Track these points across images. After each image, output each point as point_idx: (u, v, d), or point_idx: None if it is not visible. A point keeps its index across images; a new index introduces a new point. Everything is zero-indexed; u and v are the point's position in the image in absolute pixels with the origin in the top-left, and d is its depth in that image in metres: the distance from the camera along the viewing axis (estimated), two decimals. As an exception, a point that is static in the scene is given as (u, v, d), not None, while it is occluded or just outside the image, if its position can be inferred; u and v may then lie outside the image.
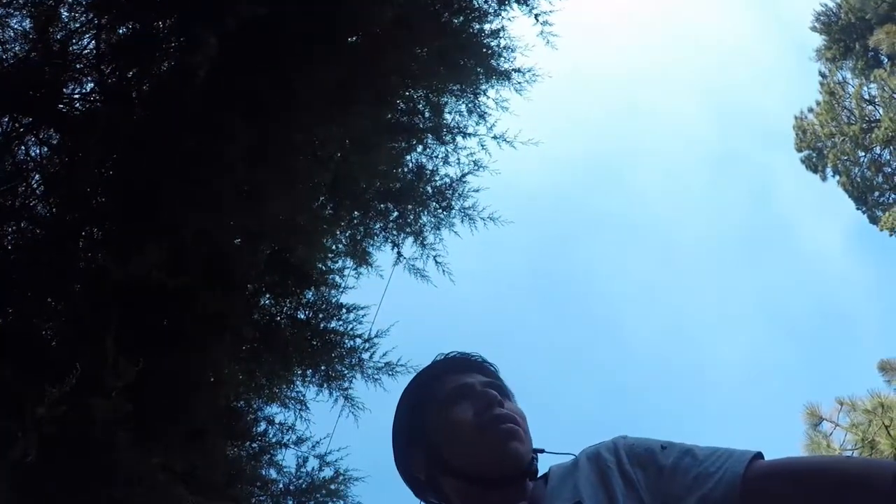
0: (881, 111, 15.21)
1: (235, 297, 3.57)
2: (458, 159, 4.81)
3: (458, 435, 1.20)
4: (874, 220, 16.09)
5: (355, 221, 4.66)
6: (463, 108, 4.82)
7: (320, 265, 4.31)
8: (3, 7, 3.52)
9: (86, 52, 3.73)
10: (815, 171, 16.85)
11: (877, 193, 16.07)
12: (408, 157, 4.77)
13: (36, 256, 3.26)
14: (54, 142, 3.77)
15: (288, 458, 4.12)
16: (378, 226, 4.74)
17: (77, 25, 3.69)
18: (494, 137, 4.81)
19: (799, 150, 16.96)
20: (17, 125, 3.65)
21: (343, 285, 4.45)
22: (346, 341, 4.14)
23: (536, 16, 4.60)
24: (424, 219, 4.74)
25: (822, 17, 17.83)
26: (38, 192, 3.63)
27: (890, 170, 15.88)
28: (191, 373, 3.37)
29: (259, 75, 3.39)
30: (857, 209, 16.53)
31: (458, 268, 4.70)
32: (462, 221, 4.74)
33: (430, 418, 1.25)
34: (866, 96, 15.77)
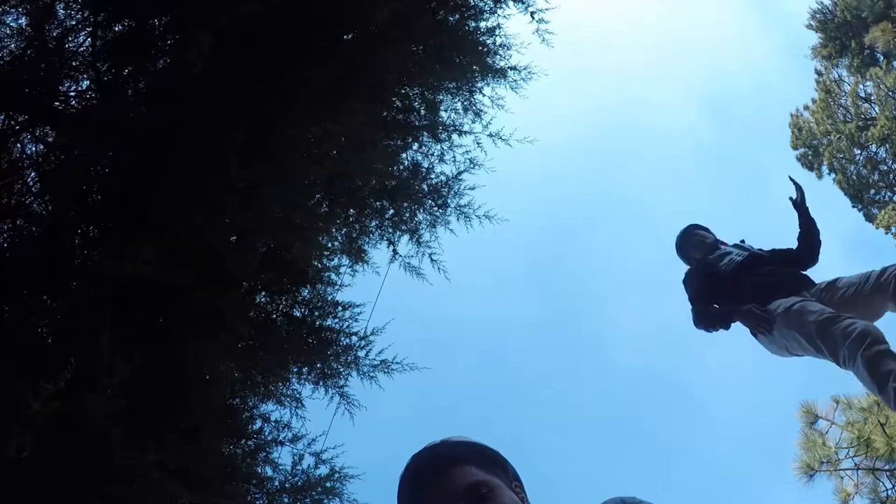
0: (877, 109, 15.22)
1: (231, 295, 3.57)
2: (454, 157, 4.82)
3: None
4: (870, 218, 16.10)
5: (351, 219, 4.66)
6: (458, 105, 4.83)
7: (316, 263, 4.31)
8: (0, 5, 3.52)
9: (82, 49, 3.73)
10: (810, 168, 16.86)
11: (872, 191, 16.08)
12: (403, 155, 4.77)
13: (31, 254, 3.25)
14: (50, 139, 3.78)
15: (283, 455, 4.12)
16: (374, 223, 4.74)
17: (73, 23, 3.70)
18: (490, 135, 4.81)
19: (794, 147, 16.98)
20: (12, 122, 3.65)
21: (339, 283, 4.45)
22: (342, 339, 4.14)
23: (532, 13, 4.61)
24: (420, 216, 4.75)
25: (817, 15, 17.83)
26: (33, 189, 3.63)
27: (885, 167, 15.91)
28: (186, 370, 3.38)
29: (254, 72, 3.40)
30: (853, 207, 16.54)
31: (453, 265, 4.71)
32: (458, 219, 4.75)
33: None
34: (862, 94, 15.78)
